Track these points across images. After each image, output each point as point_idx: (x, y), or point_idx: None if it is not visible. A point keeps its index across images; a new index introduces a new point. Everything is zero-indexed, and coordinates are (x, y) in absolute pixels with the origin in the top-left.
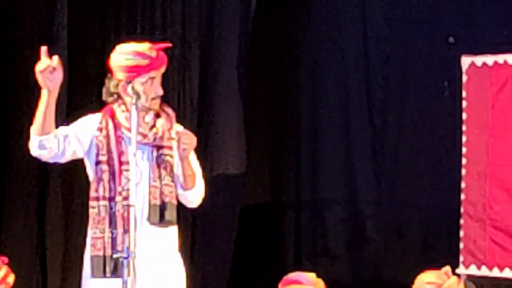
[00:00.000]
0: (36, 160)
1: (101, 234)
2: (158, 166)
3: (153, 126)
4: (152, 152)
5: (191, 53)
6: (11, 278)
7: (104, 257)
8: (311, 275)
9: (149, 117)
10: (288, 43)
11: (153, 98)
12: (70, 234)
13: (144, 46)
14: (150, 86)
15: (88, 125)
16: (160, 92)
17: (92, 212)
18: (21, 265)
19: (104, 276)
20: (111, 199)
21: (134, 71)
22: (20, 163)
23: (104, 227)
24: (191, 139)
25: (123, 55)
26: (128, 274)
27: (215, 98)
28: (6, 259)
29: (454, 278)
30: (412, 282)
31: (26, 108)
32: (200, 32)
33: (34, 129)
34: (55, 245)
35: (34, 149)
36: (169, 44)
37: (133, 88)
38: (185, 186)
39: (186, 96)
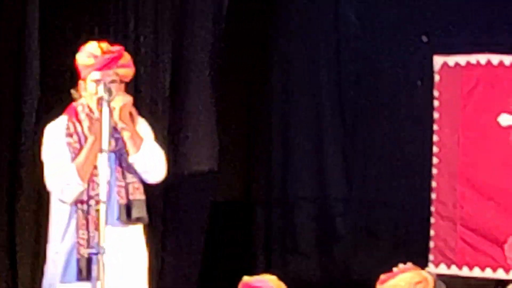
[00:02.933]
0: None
1: (84, 236)
2: (121, 166)
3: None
4: (116, 157)
5: (162, 50)
6: None
7: (89, 259)
8: (273, 280)
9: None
10: (259, 41)
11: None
12: (41, 232)
13: (91, 45)
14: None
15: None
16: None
17: (79, 214)
18: None
19: (88, 279)
20: (84, 202)
21: (80, 69)
22: None
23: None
24: (123, 100)
25: (80, 53)
26: (98, 271)
27: (187, 96)
28: None
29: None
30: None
31: None
32: (172, 29)
33: (82, 176)
34: (25, 243)
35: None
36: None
37: (105, 84)
38: (126, 149)
39: (158, 93)
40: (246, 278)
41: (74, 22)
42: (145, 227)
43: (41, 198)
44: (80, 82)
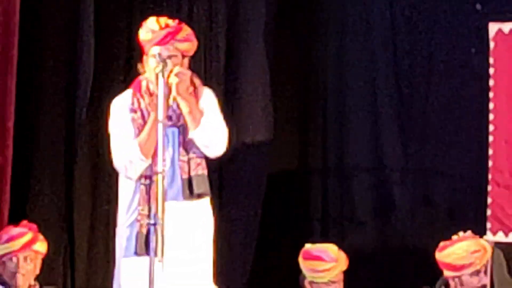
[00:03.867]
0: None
1: (144, 211)
2: (184, 141)
3: (177, 107)
4: (179, 132)
5: (217, 20)
6: (42, 247)
7: (147, 234)
8: (333, 250)
9: (171, 100)
10: (315, 14)
11: (176, 75)
12: (97, 203)
13: (151, 21)
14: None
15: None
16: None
17: (141, 188)
18: (49, 233)
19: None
20: (148, 177)
21: (143, 44)
22: (47, 131)
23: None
24: (183, 74)
25: (141, 29)
26: (157, 242)
27: (241, 65)
28: (35, 226)
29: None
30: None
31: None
32: (227, 1)
33: (145, 153)
34: (82, 213)
35: (139, 172)
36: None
37: (160, 57)
38: (186, 124)
39: (212, 64)
40: (308, 246)
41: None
42: (212, 199)
43: (98, 171)
44: (144, 57)
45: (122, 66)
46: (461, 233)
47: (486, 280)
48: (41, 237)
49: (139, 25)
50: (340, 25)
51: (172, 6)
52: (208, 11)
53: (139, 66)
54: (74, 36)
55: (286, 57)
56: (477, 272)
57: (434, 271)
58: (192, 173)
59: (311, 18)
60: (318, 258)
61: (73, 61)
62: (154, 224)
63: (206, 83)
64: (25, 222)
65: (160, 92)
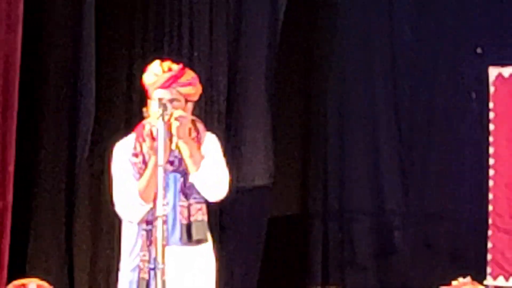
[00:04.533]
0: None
1: (145, 258)
2: (185, 186)
3: (179, 152)
4: (180, 177)
5: (218, 63)
6: None
7: (148, 282)
8: None
9: (174, 145)
10: (315, 53)
11: (176, 119)
12: (99, 247)
13: (154, 64)
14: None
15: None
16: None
17: (143, 234)
18: (49, 278)
19: None
20: (150, 222)
21: (146, 88)
22: (48, 172)
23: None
24: (184, 118)
25: (145, 72)
26: (156, 286)
27: (242, 108)
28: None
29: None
30: None
31: (51, 113)
32: (227, 43)
33: (144, 197)
34: (82, 256)
35: (139, 216)
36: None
37: (160, 101)
38: (187, 169)
39: (213, 107)
40: None
41: (129, 39)
42: (214, 244)
43: (97, 214)
44: (148, 101)
45: (123, 110)
46: (460, 279)
47: None
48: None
49: (139, 68)
50: (341, 68)
51: (172, 47)
52: (208, 54)
53: (144, 110)
54: (75, 78)
55: (287, 100)
56: None
57: None
58: (192, 218)
59: (312, 60)
60: None
61: (75, 104)
62: (154, 269)
63: (207, 126)
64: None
65: (160, 136)
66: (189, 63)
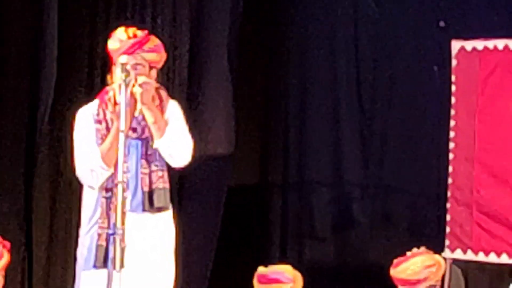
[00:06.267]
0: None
1: (104, 224)
2: (147, 154)
3: (143, 119)
4: (142, 145)
5: (181, 33)
6: (5, 259)
7: (106, 248)
8: (289, 270)
9: (137, 111)
10: (277, 24)
11: (140, 85)
12: (57, 212)
13: (119, 30)
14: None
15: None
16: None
17: (102, 201)
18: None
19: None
20: (109, 190)
21: (110, 54)
22: (7, 139)
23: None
24: (147, 84)
25: (110, 39)
26: (115, 252)
27: (204, 79)
28: (8, 244)
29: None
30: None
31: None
32: (190, 12)
33: (106, 162)
34: (41, 222)
35: (100, 181)
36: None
37: (123, 66)
38: (150, 136)
39: (175, 76)
40: (261, 269)
41: (92, 6)
42: (174, 212)
43: (57, 179)
44: (112, 67)
45: (85, 77)
46: (415, 249)
47: None
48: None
49: (102, 36)
50: (303, 40)
51: (135, 17)
52: (171, 23)
53: (108, 77)
54: (36, 46)
55: (248, 70)
56: (432, 287)
57: (392, 287)
58: (153, 186)
59: (275, 32)
60: (275, 281)
61: (36, 71)
62: (113, 234)
63: (169, 94)
64: None
65: (122, 102)
66: (152, 31)
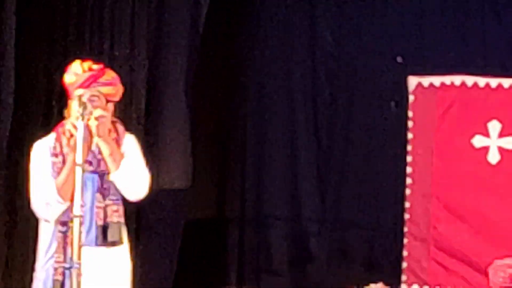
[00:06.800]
0: None
1: (60, 259)
2: (103, 187)
3: (99, 152)
4: (98, 178)
5: (138, 66)
6: None
7: (63, 282)
8: None
9: (94, 145)
10: (235, 60)
11: (96, 118)
12: (13, 245)
13: (75, 64)
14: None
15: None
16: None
17: (58, 236)
18: None
19: None
20: (65, 224)
21: (66, 88)
22: None
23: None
24: (103, 117)
25: (66, 73)
26: (71, 286)
27: (161, 112)
28: None
29: None
30: None
31: None
32: (148, 44)
33: (62, 195)
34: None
35: (56, 214)
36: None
37: (79, 99)
38: (106, 169)
39: (132, 109)
40: None
41: (49, 38)
42: (131, 246)
43: (13, 214)
44: (69, 101)
45: (42, 110)
46: (372, 285)
47: None
48: None
49: (60, 68)
50: (260, 75)
51: (94, 48)
52: (129, 54)
53: (65, 111)
54: None
55: (206, 105)
56: None
57: None
58: (108, 219)
59: (232, 66)
60: None
61: None
62: (70, 268)
63: (126, 127)
64: None
65: (79, 135)
66: (110, 63)
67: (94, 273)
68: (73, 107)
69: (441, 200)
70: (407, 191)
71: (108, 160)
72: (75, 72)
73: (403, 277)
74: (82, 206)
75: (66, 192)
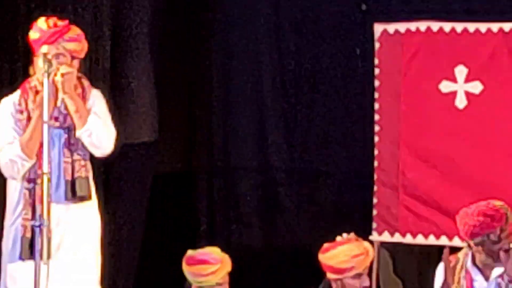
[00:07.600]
0: None
1: (28, 216)
2: (69, 143)
3: (65, 108)
4: (64, 133)
5: (102, 21)
6: None
7: (32, 239)
8: (217, 252)
9: (60, 101)
10: (200, 11)
11: (62, 74)
12: None
13: (40, 21)
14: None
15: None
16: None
17: (25, 192)
18: None
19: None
20: (32, 181)
21: (32, 44)
22: None
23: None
24: (69, 73)
25: (32, 29)
26: (42, 243)
27: (127, 67)
28: None
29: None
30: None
31: None
32: (112, 3)
33: (27, 152)
34: None
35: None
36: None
37: (44, 56)
38: (72, 125)
39: (98, 63)
40: (190, 252)
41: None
42: (99, 199)
43: None
44: (34, 58)
45: (7, 68)
46: (344, 235)
47: (368, 282)
48: None
49: (24, 27)
50: (226, 25)
51: (56, 5)
52: (93, 10)
53: (30, 68)
54: None
55: (172, 58)
56: (358, 275)
57: (319, 271)
58: (76, 175)
59: (198, 16)
60: (203, 262)
61: None
62: (40, 226)
63: (92, 83)
64: None
65: (45, 91)
66: (74, 20)
67: (63, 230)
68: (39, 64)
69: (409, 146)
70: (376, 138)
71: (75, 117)
72: (41, 28)
73: (374, 225)
74: (49, 162)
75: (32, 149)
